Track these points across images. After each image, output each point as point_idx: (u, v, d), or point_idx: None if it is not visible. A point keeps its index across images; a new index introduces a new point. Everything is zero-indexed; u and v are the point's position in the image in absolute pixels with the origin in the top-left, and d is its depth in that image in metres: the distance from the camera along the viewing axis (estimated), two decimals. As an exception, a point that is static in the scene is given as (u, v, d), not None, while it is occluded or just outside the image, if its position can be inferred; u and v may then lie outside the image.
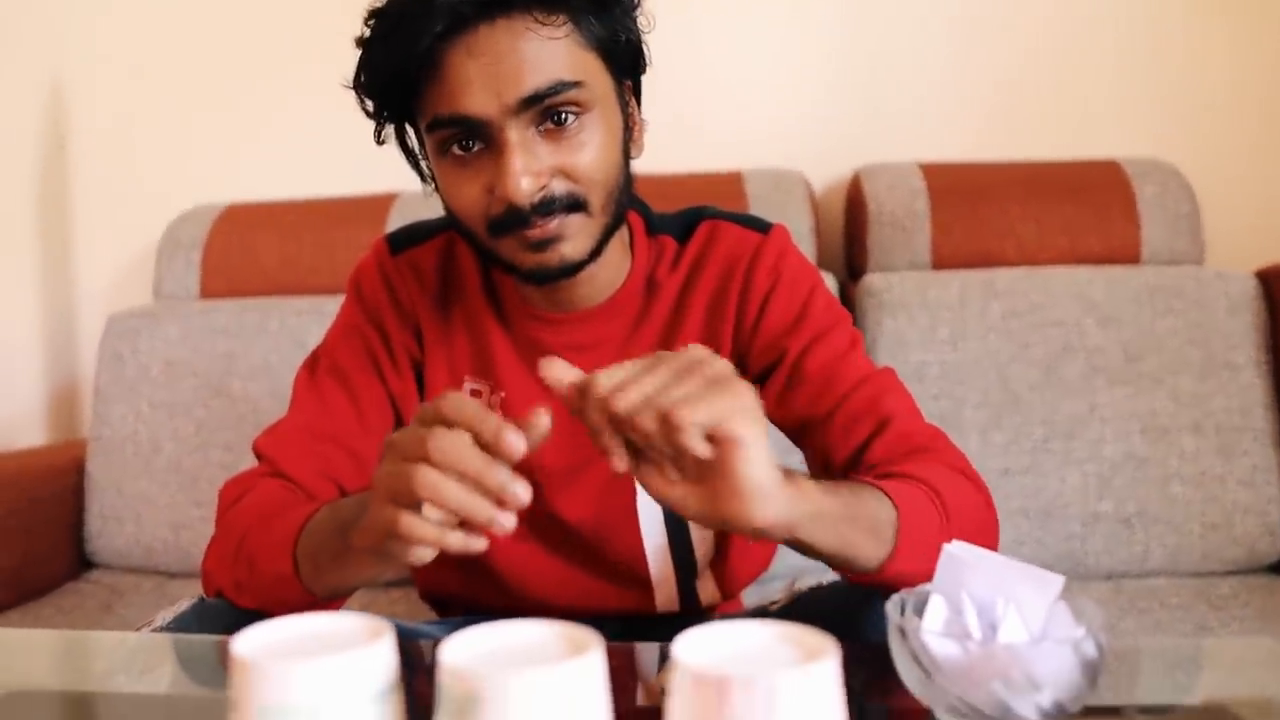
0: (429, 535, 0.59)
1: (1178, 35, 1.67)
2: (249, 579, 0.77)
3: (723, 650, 0.42)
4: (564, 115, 0.76)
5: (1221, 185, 1.64)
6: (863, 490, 0.71)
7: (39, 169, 1.85)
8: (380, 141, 0.84)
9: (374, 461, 0.89)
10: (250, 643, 0.44)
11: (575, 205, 0.77)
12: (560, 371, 0.61)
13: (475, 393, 0.90)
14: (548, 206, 0.76)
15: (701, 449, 0.57)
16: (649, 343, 0.89)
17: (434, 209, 1.59)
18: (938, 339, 1.47)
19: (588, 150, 0.77)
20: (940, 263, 1.57)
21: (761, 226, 0.91)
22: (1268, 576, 1.42)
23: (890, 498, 0.71)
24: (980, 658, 0.53)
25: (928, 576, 0.70)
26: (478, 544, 0.60)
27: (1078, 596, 0.58)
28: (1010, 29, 1.69)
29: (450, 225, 0.91)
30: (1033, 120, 1.70)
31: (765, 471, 0.59)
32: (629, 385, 0.58)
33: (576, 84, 0.75)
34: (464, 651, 0.42)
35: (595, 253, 0.81)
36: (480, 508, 0.58)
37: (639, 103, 0.86)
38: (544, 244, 0.78)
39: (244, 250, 1.66)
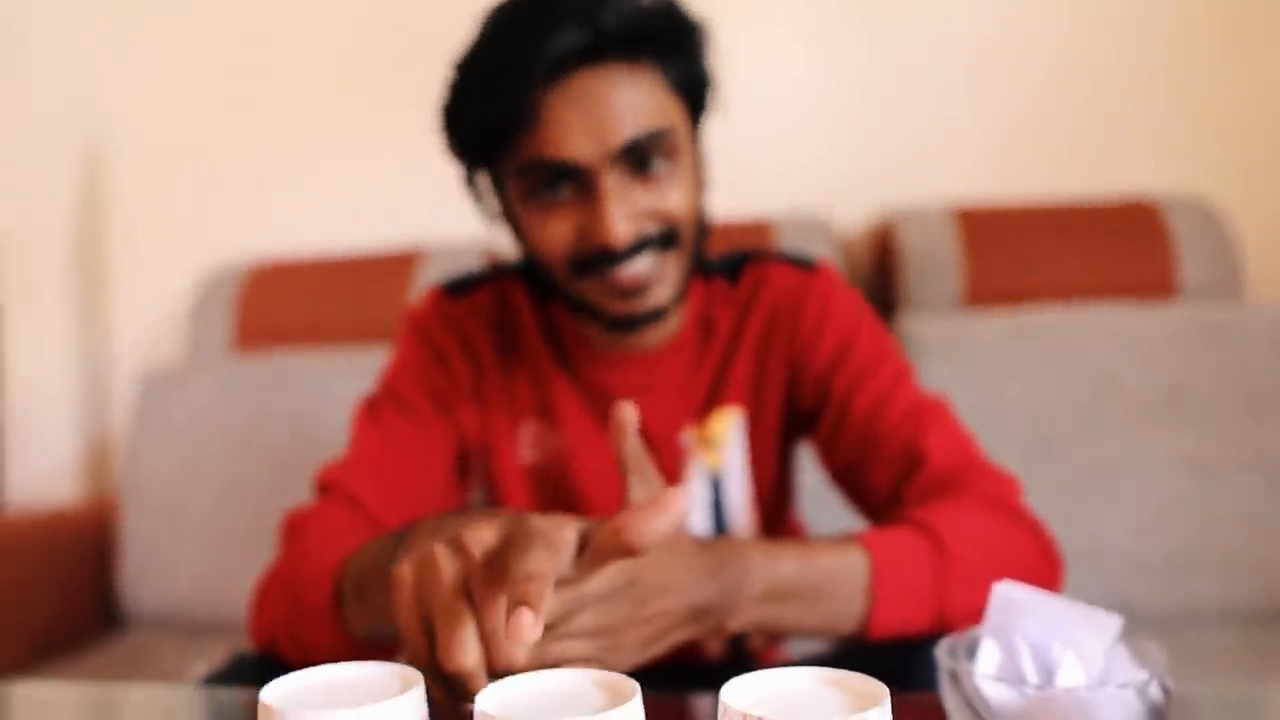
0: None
1: (1208, 65, 1.66)
2: (290, 614, 0.75)
3: (771, 696, 0.40)
4: (654, 160, 0.77)
5: (1259, 216, 1.62)
6: (833, 552, 0.69)
7: (75, 226, 1.88)
8: (471, 186, 0.85)
9: (441, 485, 0.89)
10: (279, 692, 0.43)
11: (667, 242, 0.79)
12: (629, 415, 0.61)
13: (538, 436, 0.91)
14: (641, 247, 0.78)
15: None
16: (706, 382, 0.90)
17: (463, 263, 1.61)
18: (972, 381, 1.45)
19: (675, 192, 0.79)
20: (973, 302, 1.55)
21: (807, 265, 0.92)
22: (1324, 621, 1.37)
23: (868, 552, 0.70)
24: (1039, 703, 0.50)
25: (921, 626, 0.69)
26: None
27: (1138, 638, 0.56)
28: (1038, 64, 1.68)
29: (498, 274, 0.94)
30: (1062, 154, 1.69)
31: (626, 661, 0.59)
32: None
33: (668, 131, 0.77)
34: (500, 701, 0.41)
35: (679, 296, 0.83)
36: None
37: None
38: (633, 290, 0.79)
39: (275, 305, 1.67)
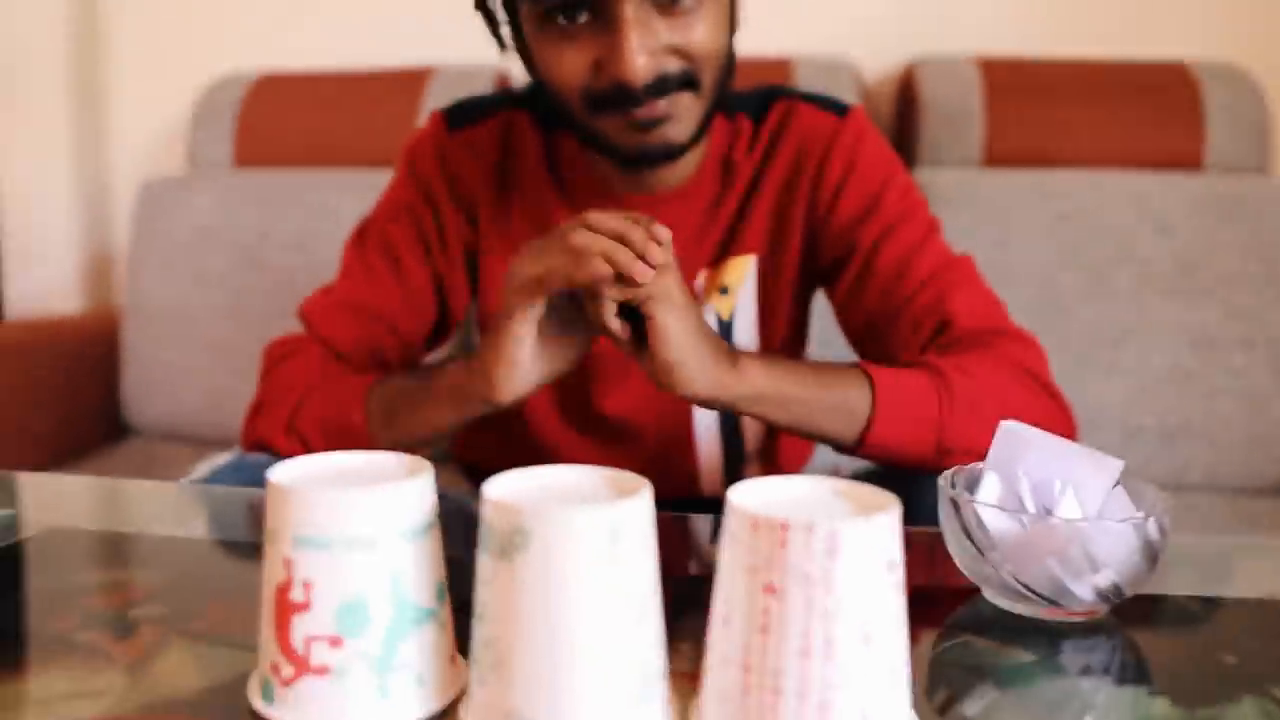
0: (597, 243, 0.64)
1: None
2: (312, 427, 0.79)
3: (781, 497, 0.41)
4: None
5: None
6: (836, 373, 0.73)
7: (71, 35, 1.81)
8: (483, 7, 0.80)
9: (419, 344, 0.89)
10: (289, 472, 0.43)
11: (688, 83, 0.75)
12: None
13: None
14: (661, 86, 0.73)
15: (615, 326, 0.67)
16: (723, 226, 0.87)
17: (472, 84, 1.56)
18: (985, 240, 1.43)
19: (703, 28, 0.73)
20: (993, 160, 1.51)
21: (839, 109, 0.87)
22: (1307, 496, 1.40)
23: (870, 376, 0.72)
24: (1038, 533, 0.51)
25: (917, 452, 0.71)
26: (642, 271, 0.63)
27: (1138, 481, 0.56)
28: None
29: (506, 102, 0.89)
30: (1098, 14, 1.62)
31: (683, 353, 0.65)
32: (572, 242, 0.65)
33: None
34: (510, 488, 0.41)
35: (699, 134, 0.79)
36: (624, 255, 0.63)
37: None
38: (650, 125, 0.75)
39: (278, 120, 1.63)
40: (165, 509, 0.76)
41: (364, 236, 0.90)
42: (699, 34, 0.73)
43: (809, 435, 0.73)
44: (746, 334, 0.89)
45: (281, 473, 0.43)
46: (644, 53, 0.71)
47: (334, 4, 1.75)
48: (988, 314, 0.81)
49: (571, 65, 0.74)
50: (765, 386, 0.69)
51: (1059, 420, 0.77)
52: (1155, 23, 1.61)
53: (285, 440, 0.80)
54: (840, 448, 0.74)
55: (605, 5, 0.71)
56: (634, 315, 0.67)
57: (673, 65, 0.73)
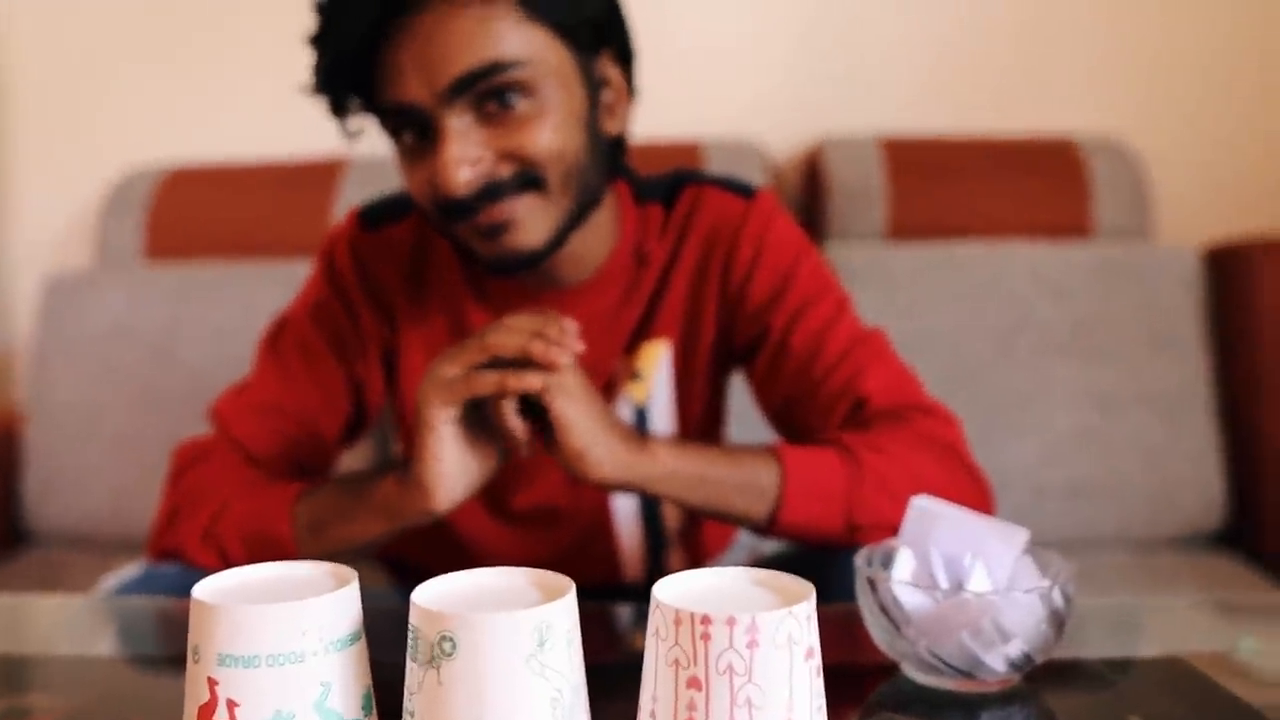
0: (492, 380, 0.68)
1: (1131, 9, 1.69)
2: (232, 536, 0.77)
3: (701, 590, 0.42)
4: (507, 97, 0.72)
5: (1172, 160, 1.67)
6: (746, 453, 0.75)
7: (-28, 127, 1.78)
8: (344, 127, 0.81)
9: (334, 443, 0.89)
10: (212, 588, 0.43)
11: (528, 184, 0.74)
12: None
13: None
14: (492, 192, 0.73)
15: (515, 425, 0.70)
16: (636, 314, 0.88)
17: (387, 176, 1.57)
18: (894, 310, 1.48)
19: (535, 131, 0.73)
20: (898, 234, 1.57)
21: (746, 191, 0.88)
22: (1208, 548, 1.46)
23: (779, 456, 0.74)
24: (950, 607, 0.53)
25: (828, 529, 0.73)
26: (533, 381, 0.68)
27: (1043, 549, 0.59)
28: (970, 1, 1.69)
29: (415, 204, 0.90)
30: (990, 93, 1.71)
31: (586, 439, 0.69)
32: (470, 348, 0.70)
33: (514, 63, 0.71)
34: (436, 594, 0.41)
35: (557, 239, 0.77)
36: (539, 345, 0.67)
37: (628, 71, 0.82)
38: (495, 231, 0.75)
39: (191, 213, 1.61)
40: (71, 625, 0.73)
41: (279, 335, 0.89)
42: (534, 137, 0.73)
43: (721, 516, 0.75)
44: (663, 419, 0.90)
45: (205, 588, 0.43)
46: (464, 164, 0.72)
47: (246, 95, 1.75)
48: (901, 389, 0.82)
49: (417, 181, 0.76)
50: (674, 465, 0.71)
51: (974, 493, 0.79)
52: (1042, 98, 1.71)
53: (202, 551, 0.78)
54: (754, 528, 0.76)
55: (431, 121, 0.72)
56: (537, 410, 0.70)
57: (505, 170, 0.73)
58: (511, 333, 0.68)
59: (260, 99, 1.74)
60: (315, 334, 0.88)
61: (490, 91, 0.72)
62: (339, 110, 0.79)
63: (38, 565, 1.47)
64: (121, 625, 0.72)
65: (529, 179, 0.74)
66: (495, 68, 0.71)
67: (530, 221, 0.75)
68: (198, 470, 0.82)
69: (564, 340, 0.68)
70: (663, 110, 1.67)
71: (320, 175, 1.60)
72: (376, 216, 0.90)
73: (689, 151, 1.58)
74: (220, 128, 1.75)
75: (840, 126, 1.67)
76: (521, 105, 0.73)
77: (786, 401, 0.85)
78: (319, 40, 0.76)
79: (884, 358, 0.84)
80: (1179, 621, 0.75)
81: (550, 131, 0.74)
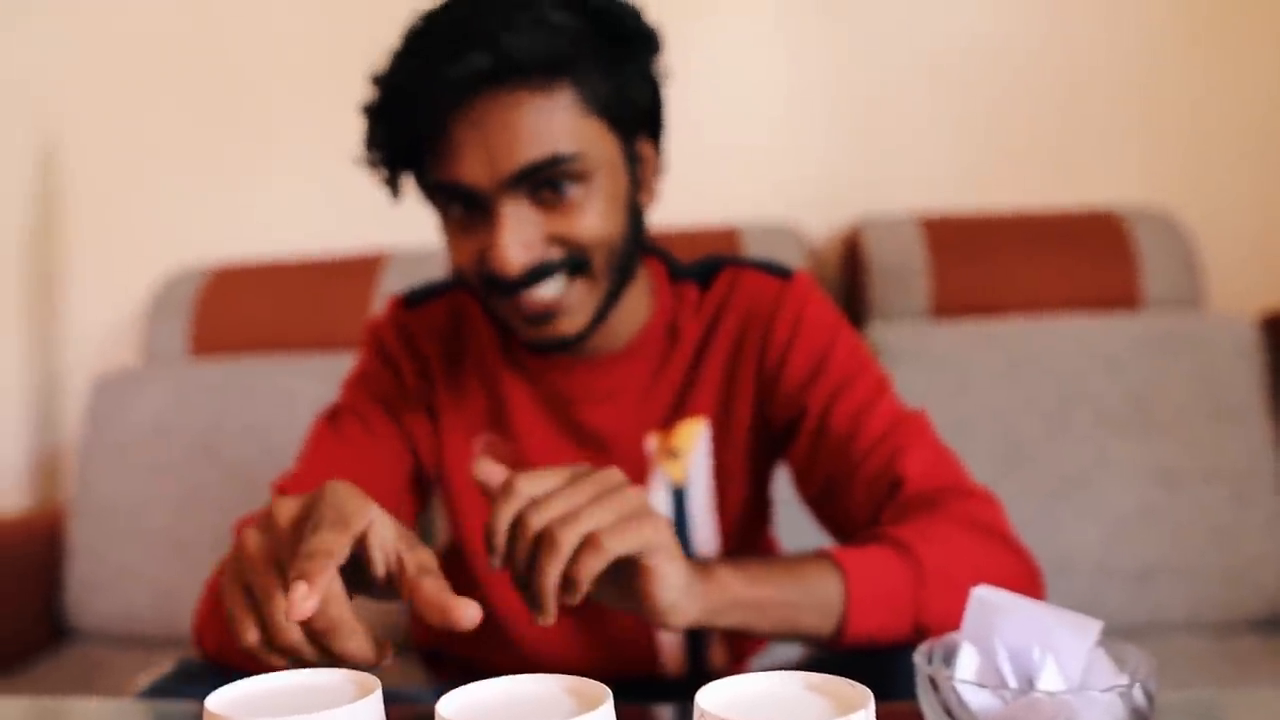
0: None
1: (1173, 80, 1.68)
2: (210, 618, 0.75)
3: (751, 699, 0.39)
4: (562, 186, 0.74)
5: (1220, 228, 1.64)
6: (804, 566, 0.70)
7: (25, 229, 1.83)
8: (395, 195, 0.83)
9: (393, 493, 0.88)
10: (226, 699, 0.41)
11: (575, 268, 0.76)
12: (491, 472, 0.62)
13: (490, 445, 0.89)
14: (541, 273, 0.75)
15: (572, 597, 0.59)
16: (671, 390, 0.87)
17: (427, 268, 1.59)
18: (942, 390, 1.44)
19: (585, 217, 0.76)
20: (940, 312, 1.55)
21: (783, 273, 0.89)
22: (1289, 629, 1.38)
23: (840, 564, 0.69)
24: (1020, 708, 0.49)
25: (897, 632, 0.68)
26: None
27: (1119, 642, 0.55)
28: (1005, 77, 1.69)
29: (458, 284, 0.92)
30: (1030, 167, 1.70)
31: (676, 590, 0.61)
32: (553, 498, 0.58)
33: (573, 156, 0.74)
34: (464, 707, 0.38)
35: (596, 322, 0.79)
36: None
37: (657, 146, 0.84)
38: (539, 319, 0.77)
39: (234, 311, 1.64)
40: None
41: (331, 414, 0.90)
42: (583, 223, 0.75)
43: (787, 638, 0.70)
44: (701, 499, 0.88)
45: (217, 699, 0.40)
46: (517, 245, 0.73)
47: (288, 193, 1.79)
48: (941, 473, 0.80)
49: (464, 253, 0.78)
50: (739, 592, 0.66)
51: (1024, 574, 0.76)
52: (1083, 172, 1.69)
53: (216, 651, 0.75)
54: (820, 644, 0.71)
55: (485, 202, 0.74)
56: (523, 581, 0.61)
57: (555, 254, 0.76)
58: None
59: (301, 197, 1.78)
60: (365, 400, 0.89)
61: (546, 180, 0.74)
62: (391, 183, 0.81)
63: (78, 663, 1.46)
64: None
65: (577, 263, 0.76)
66: (555, 160, 0.73)
67: (574, 309, 0.78)
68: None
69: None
70: (700, 197, 1.68)
71: (361, 269, 1.62)
72: (416, 298, 0.94)
73: (727, 237, 1.58)
74: (262, 226, 1.79)
75: (878, 207, 1.66)
76: (573, 193, 0.75)
77: (826, 485, 0.83)
78: (378, 114, 0.78)
79: (924, 439, 0.82)
80: (1268, 714, 0.70)
81: (598, 217, 0.76)
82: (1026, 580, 0.76)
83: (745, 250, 1.55)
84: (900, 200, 1.67)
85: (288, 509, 0.53)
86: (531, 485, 0.59)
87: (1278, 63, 1.66)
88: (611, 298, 0.80)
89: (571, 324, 0.78)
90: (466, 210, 0.76)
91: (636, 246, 0.82)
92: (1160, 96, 1.68)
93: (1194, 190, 1.66)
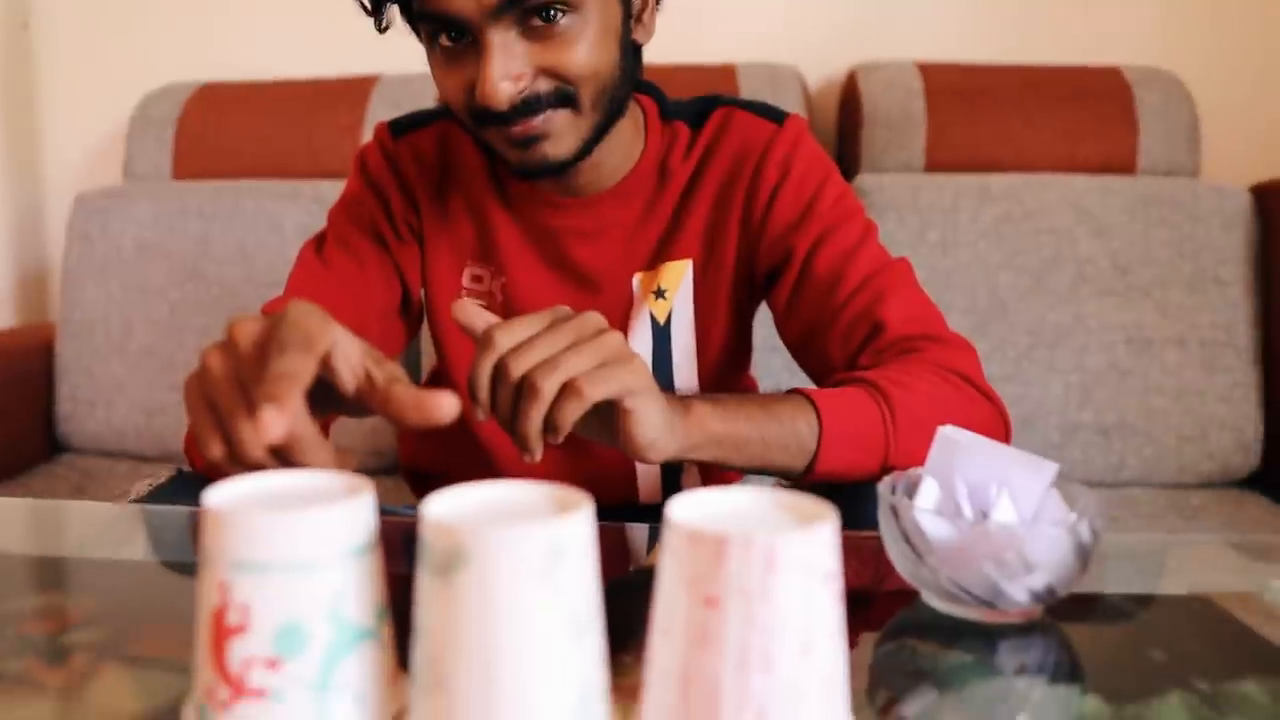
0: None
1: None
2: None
3: (719, 511, 0.41)
4: (552, 12, 0.72)
5: (1222, 98, 1.61)
6: (778, 403, 0.72)
7: (2, 45, 1.77)
8: (381, 29, 0.81)
9: (381, 318, 0.89)
10: (224, 496, 0.43)
11: (563, 100, 0.75)
12: (470, 313, 0.62)
13: (476, 278, 0.90)
14: (531, 106, 0.74)
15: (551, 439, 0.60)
16: (658, 230, 0.88)
17: (417, 93, 1.55)
18: (927, 242, 1.45)
19: (576, 48, 0.74)
20: (934, 165, 1.54)
21: (776, 116, 0.88)
22: (1238, 490, 1.44)
23: (813, 402, 0.71)
24: (974, 537, 0.52)
25: (866, 471, 0.71)
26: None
27: (1071, 483, 0.57)
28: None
29: (446, 113, 0.90)
30: (1035, 22, 1.65)
31: (654, 429, 0.63)
32: (532, 345, 0.59)
33: None
34: (449, 506, 0.41)
35: (584, 151, 0.79)
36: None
37: None
38: (526, 142, 0.76)
39: (219, 130, 1.61)
40: (102, 530, 0.74)
41: (317, 239, 0.91)
42: (572, 55, 0.74)
43: (761, 471, 0.73)
44: (684, 338, 0.90)
45: (216, 496, 0.42)
46: (506, 78, 0.72)
47: (274, 14, 1.73)
48: (921, 318, 0.82)
49: (452, 85, 0.77)
50: (716, 429, 0.68)
51: (994, 422, 0.79)
52: (1089, 30, 1.65)
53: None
54: (791, 477, 0.74)
55: (472, 31, 0.73)
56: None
57: (544, 85, 0.74)
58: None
59: (288, 17, 1.72)
60: (352, 226, 0.89)
61: (535, 7, 0.72)
62: (377, 17, 0.79)
63: (72, 474, 1.50)
64: (150, 530, 0.73)
65: (565, 95, 0.75)
66: None
67: (561, 135, 0.77)
68: None
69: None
70: (698, 34, 1.63)
71: (349, 91, 1.58)
72: (403, 125, 0.92)
73: (724, 74, 1.54)
74: (248, 46, 1.73)
75: (879, 54, 1.62)
76: (564, 22, 0.73)
77: (808, 328, 0.85)
78: None
79: (906, 286, 0.83)
80: (1207, 561, 0.74)
81: (589, 49, 0.74)
82: (996, 427, 0.78)
83: (742, 89, 1.52)
84: (902, 50, 1.63)
85: (249, 330, 0.53)
86: (509, 335, 0.59)
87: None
88: (600, 131, 0.79)
89: (560, 148, 0.77)
90: (453, 41, 0.75)
91: (629, 83, 0.81)
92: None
93: (1201, 57, 1.63)
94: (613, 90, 0.78)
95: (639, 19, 0.81)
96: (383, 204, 0.90)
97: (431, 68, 0.79)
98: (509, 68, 0.72)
